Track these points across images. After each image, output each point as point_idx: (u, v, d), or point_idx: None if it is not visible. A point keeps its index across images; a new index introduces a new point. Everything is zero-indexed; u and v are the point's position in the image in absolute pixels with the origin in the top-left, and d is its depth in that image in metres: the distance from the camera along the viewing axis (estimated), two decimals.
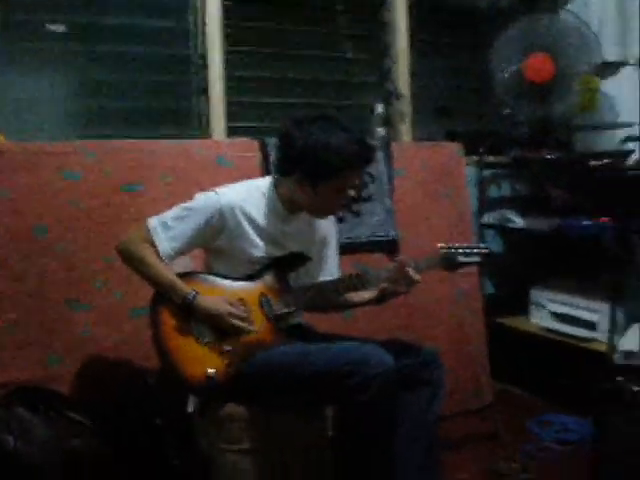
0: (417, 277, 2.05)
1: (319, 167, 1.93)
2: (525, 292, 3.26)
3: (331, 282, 2.13)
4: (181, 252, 2.02)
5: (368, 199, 2.91)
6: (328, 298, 2.10)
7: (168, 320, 1.97)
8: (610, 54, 3.18)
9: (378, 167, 2.92)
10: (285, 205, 2.07)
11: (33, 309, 2.32)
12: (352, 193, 2.03)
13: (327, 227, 2.22)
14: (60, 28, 2.70)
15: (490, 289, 3.44)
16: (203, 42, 2.92)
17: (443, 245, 2.13)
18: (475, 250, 2.16)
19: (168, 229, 1.99)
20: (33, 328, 2.32)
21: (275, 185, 2.08)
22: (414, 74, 3.35)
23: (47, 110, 2.75)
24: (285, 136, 2.00)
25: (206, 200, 2.01)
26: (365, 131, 2.62)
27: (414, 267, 2.05)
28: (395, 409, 1.92)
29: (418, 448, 2.00)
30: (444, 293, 3.03)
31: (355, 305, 2.24)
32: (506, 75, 3.11)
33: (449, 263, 2.13)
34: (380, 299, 2.14)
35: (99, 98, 2.82)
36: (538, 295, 3.20)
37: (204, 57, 2.93)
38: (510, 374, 3.19)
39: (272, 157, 2.63)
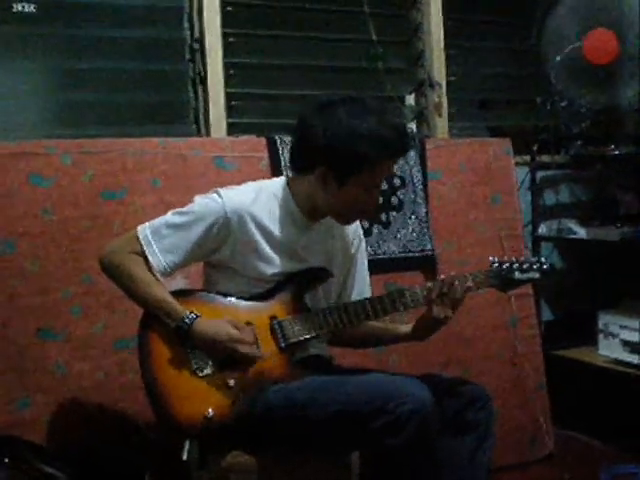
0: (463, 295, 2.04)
1: (348, 159, 1.91)
2: (591, 318, 3.23)
3: (359, 303, 2.08)
4: (177, 267, 2.01)
5: (398, 207, 2.89)
6: (354, 325, 2.07)
7: (159, 348, 1.94)
8: None
9: (409, 169, 2.91)
10: (303, 210, 2.05)
11: None
12: (384, 187, 2.00)
13: (353, 238, 2.20)
14: (30, 7, 2.73)
15: (548, 315, 3.42)
16: (199, 23, 2.94)
17: (495, 259, 2.12)
18: (534, 265, 2.14)
19: (162, 238, 1.97)
20: None
21: (290, 186, 2.07)
22: (450, 58, 3.35)
23: (14, 105, 2.76)
24: (304, 125, 1.98)
25: (208, 204, 1.99)
26: (399, 114, 2.59)
27: (460, 284, 2.02)
28: (434, 457, 1.87)
29: None
30: (494, 320, 3.02)
31: (387, 341, 2.25)
32: (561, 57, 3.11)
33: (503, 281, 2.11)
34: (419, 332, 2.11)
35: (76, 90, 2.84)
36: (607, 321, 3.17)
37: (201, 41, 2.95)
38: (574, 417, 3.15)
39: (285, 155, 2.69)
